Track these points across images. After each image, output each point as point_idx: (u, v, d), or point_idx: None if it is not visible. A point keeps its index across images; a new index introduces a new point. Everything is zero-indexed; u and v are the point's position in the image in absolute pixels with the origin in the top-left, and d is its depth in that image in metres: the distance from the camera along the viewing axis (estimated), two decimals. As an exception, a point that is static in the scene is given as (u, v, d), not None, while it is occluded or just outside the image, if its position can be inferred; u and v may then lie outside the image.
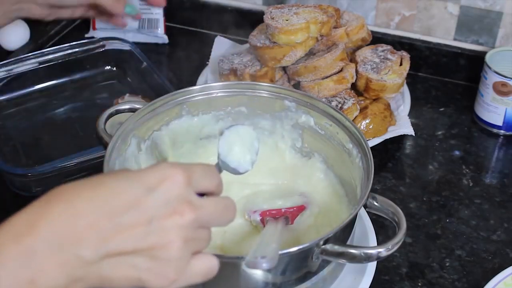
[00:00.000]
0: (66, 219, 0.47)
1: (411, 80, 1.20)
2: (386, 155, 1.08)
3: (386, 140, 1.06)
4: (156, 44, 1.33)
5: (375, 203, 0.79)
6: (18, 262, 0.45)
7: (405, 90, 1.15)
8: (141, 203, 0.49)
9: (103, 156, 0.78)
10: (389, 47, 1.14)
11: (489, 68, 1.09)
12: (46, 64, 1.14)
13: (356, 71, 1.09)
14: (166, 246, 0.49)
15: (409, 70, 1.11)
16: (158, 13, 1.31)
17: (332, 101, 1.05)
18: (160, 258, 0.49)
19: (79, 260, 0.47)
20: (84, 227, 0.47)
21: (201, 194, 0.57)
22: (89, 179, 0.52)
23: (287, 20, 1.04)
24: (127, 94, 1.12)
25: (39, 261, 0.46)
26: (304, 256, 0.73)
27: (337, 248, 0.73)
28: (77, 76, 1.19)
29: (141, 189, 0.50)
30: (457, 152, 1.09)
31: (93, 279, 0.48)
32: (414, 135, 1.07)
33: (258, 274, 0.73)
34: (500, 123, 1.11)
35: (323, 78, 1.06)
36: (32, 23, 1.24)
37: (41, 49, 1.16)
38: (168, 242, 0.49)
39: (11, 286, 0.45)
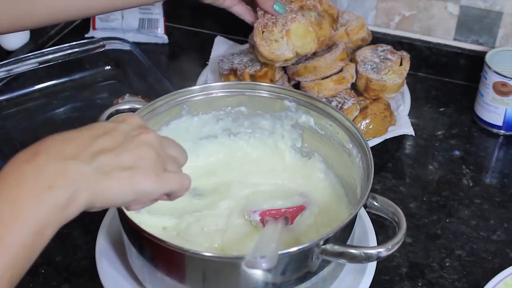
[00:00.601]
0: (60, 144, 0.60)
1: (411, 80, 1.20)
2: (386, 155, 1.08)
3: (386, 140, 1.06)
4: (156, 44, 1.33)
5: (375, 203, 0.79)
6: (34, 172, 0.58)
7: (405, 90, 1.15)
8: (115, 129, 0.65)
9: (103, 156, 0.78)
10: (389, 47, 1.14)
11: (489, 68, 1.09)
12: (46, 64, 1.14)
13: (356, 71, 1.09)
14: (142, 154, 0.64)
15: (409, 70, 1.10)
16: (158, 13, 1.31)
17: (332, 101, 1.05)
18: (140, 164, 0.63)
19: (79, 171, 0.59)
20: (75, 147, 0.61)
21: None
22: None
23: (276, 41, 1.01)
24: (127, 94, 1.11)
25: (50, 171, 0.58)
26: (304, 256, 0.73)
27: (337, 248, 0.73)
28: (77, 76, 1.20)
29: (114, 123, 0.67)
30: (457, 152, 1.09)
31: (94, 189, 0.60)
32: (414, 135, 1.07)
33: (258, 274, 0.73)
34: (500, 123, 1.11)
35: (323, 78, 1.06)
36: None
37: (41, 49, 1.16)
38: (142, 152, 0.64)
39: (35, 192, 0.57)
